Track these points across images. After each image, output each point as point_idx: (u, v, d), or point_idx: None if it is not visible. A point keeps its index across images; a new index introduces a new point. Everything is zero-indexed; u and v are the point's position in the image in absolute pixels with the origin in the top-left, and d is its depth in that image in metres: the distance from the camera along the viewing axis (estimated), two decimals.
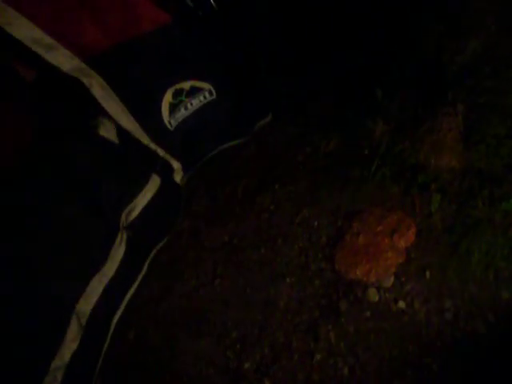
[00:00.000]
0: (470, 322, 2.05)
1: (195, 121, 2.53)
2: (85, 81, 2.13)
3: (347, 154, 2.68)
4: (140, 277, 2.45)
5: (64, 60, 2.07)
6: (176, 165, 2.53)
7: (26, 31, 1.96)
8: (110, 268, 2.28)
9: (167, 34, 2.37)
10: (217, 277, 2.51)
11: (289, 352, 2.18)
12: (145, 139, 2.38)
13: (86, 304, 2.20)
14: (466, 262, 2.16)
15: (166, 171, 2.51)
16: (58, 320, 2.14)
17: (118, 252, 2.31)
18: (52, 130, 2.16)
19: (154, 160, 2.43)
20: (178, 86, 2.44)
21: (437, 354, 2.01)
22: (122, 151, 2.34)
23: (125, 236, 2.32)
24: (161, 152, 2.44)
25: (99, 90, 2.16)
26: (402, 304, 2.16)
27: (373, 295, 2.21)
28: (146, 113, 2.37)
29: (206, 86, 2.53)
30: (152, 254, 2.52)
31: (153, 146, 2.41)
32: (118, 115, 2.25)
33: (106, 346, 2.31)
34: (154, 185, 2.42)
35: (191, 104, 2.50)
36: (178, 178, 2.57)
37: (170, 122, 2.43)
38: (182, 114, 2.48)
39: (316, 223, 2.52)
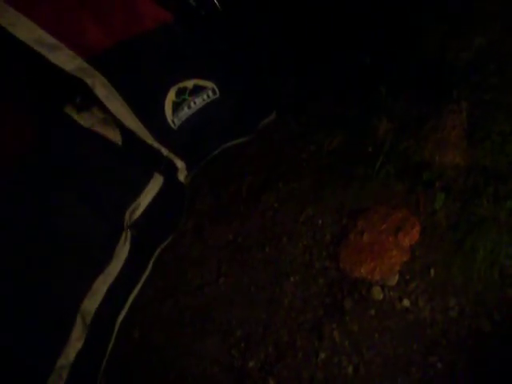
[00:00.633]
0: (474, 320, 2.05)
1: (199, 119, 2.52)
2: (88, 81, 2.12)
3: (351, 152, 2.67)
4: (145, 276, 2.45)
5: (67, 60, 2.06)
6: (180, 164, 2.52)
7: (28, 32, 1.96)
8: (115, 267, 2.28)
9: (169, 32, 2.36)
10: (221, 275, 2.51)
11: (293, 350, 2.18)
12: (148, 138, 2.37)
13: (91, 303, 2.20)
14: (470, 260, 2.16)
15: (170, 170, 2.50)
16: (62, 319, 2.15)
17: (123, 251, 2.31)
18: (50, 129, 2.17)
19: (158, 159, 2.43)
20: (181, 85, 2.43)
21: (441, 352, 2.01)
22: (125, 150, 2.34)
23: (129, 235, 2.32)
24: (164, 151, 2.43)
25: (102, 89, 2.16)
26: (406, 302, 2.16)
27: (377, 293, 2.21)
28: (149, 112, 2.36)
29: (209, 84, 2.52)
30: (156, 253, 2.52)
31: (156, 145, 2.41)
32: (121, 115, 2.25)
33: (110, 344, 2.32)
34: (156, 184, 2.41)
35: (194, 103, 2.49)
36: (181, 176, 2.57)
37: (173, 121, 2.43)
38: (185, 112, 2.47)
39: (320, 221, 2.52)
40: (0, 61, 2.02)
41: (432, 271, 2.20)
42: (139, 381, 2.33)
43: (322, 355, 2.13)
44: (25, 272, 2.07)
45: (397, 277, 2.23)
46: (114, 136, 2.31)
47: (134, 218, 2.34)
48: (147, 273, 2.47)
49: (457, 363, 1.97)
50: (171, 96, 2.39)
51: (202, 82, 2.48)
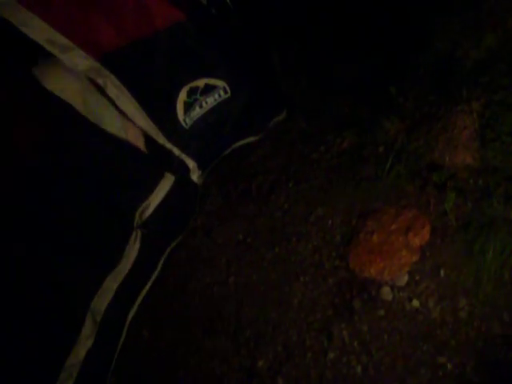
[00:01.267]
0: (484, 322, 2.04)
1: (210, 119, 2.52)
2: (100, 81, 2.14)
3: (361, 152, 2.66)
4: (154, 275, 2.46)
5: (79, 60, 2.08)
6: (191, 164, 2.52)
7: (41, 32, 1.98)
8: (125, 266, 2.29)
9: (181, 31, 2.36)
10: (231, 275, 2.52)
11: (302, 350, 2.18)
12: (160, 138, 2.38)
13: (101, 302, 2.22)
14: (480, 261, 2.15)
15: (182, 170, 2.51)
16: (73, 318, 2.16)
17: (133, 250, 2.32)
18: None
19: (169, 159, 2.44)
20: (192, 84, 2.43)
21: (451, 353, 2.00)
22: (135, 150, 2.35)
23: (139, 234, 2.34)
24: (176, 151, 2.43)
25: (114, 89, 2.17)
26: (415, 303, 2.15)
27: (387, 294, 2.20)
28: (161, 112, 2.37)
29: (220, 83, 2.52)
30: (167, 253, 2.53)
31: (168, 145, 2.41)
32: (133, 115, 2.25)
33: (120, 343, 2.33)
34: (167, 183, 2.42)
35: (206, 102, 2.49)
36: (194, 176, 2.57)
37: (185, 121, 2.43)
38: (197, 112, 2.47)
39: (330, 222, 2.52)
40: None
41: (442, 272, 2.19)
42: (148, 379, 2.34)
43: (331, 355, 2.13)
44: (36, 271, 2.09)
45: (406, 277, 2.22)
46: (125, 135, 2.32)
47: (145, 217, 2.35)
48: (157, 272, 2.48)
49: (466, 364, 1.97)
50: (183, 96, 2.40)
51: (213, 81, 2.48)
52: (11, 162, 2.09)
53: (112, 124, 2.28)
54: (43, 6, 1.98)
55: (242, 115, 2.66)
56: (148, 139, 2.37)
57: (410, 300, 2.16)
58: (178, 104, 2.40)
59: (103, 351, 2.25)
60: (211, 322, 2.40)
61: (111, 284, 2.25)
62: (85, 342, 2.15)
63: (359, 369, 2.07)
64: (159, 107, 2.35)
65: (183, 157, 2.46)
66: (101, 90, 2.18)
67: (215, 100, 2.51)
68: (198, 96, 2.45)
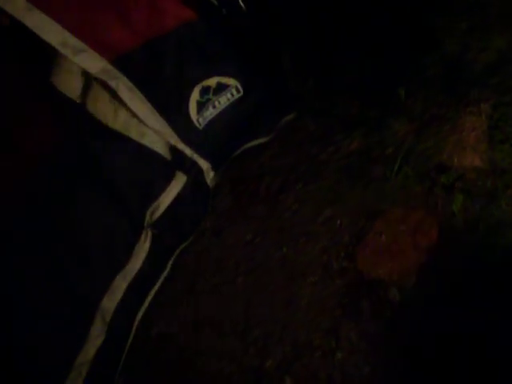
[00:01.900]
0: None
1: (224, 119, 2.50)
2: (112, 83, 2.14)
3: (370, 153, 2.67)
4: (164, 275, 2.47)
5: (92, 62, 2.09)
6: (205, 165, 2.52)
7: (55, 34, 1.99)
8: (134, 266, 2.30)
9: (192, 30, 2.36)
10: (239, 275, 2.52)
11: (310, 350, 2.18)
12: (173, 139, 2.38)
13: (110, 301, 2.23)
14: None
15: (194, 171, 2.51)
16: (82, 317, 2.18)
17: (142, 250, 2.33)
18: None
19: (182, 160, 2.44)
20: (204, 84, 2.42)
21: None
22: (149, 150, 2.36)
23: (149, 234, 2.35)
24: (189, 152, 2.43)
25: (126, 92, 2.17)
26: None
27: (394, 295, 2.21)
28: (174, 112, 2.36)
29: (232, 82, 2.51)
30: (176, 253, 2.54)
31: (181, 145, 2.41)
32: (146, 116, 2.25)
33: (129, 342, 2.34)
34: (179, 183, 2.43)
35: (219, 102, 2.47)
36: (208, 178, 2.57)
37: (198, 121, 2.42)
38: (210, 112, 2.45)
39: (339, 222, 2.52)
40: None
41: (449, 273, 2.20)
42: (157, 379, 2.35)
43: (339, 355, 2.13)
44: (45, 270, 2.11)
45: (414, 278, 2.23)
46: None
47: (155, 217, 2.36)
48: (166, 272, 2.49)
49: (472, 365, 1.97)
50: (195, 95, 2.39)
51: (225, 80, 2.47)
52: (22, 161, 2.11)
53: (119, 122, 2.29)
54: (56, 7, 2.00)
55: (254, 115, 2.65)
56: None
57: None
58: (190, 104, 2.39)
59: (112, 350, 2.26)
60: (219, 322, 2.40)
61: (120, 283, 2.27)
62: (94, 341, 2.17)
63: (367, 369, 2.07)
64: (172, 107, 2.34)
65: (196, 157, 2.45)
66: (112, 92, 2.19)
67: (228, 100, 2.51)
68: (210, 96, 2.44)
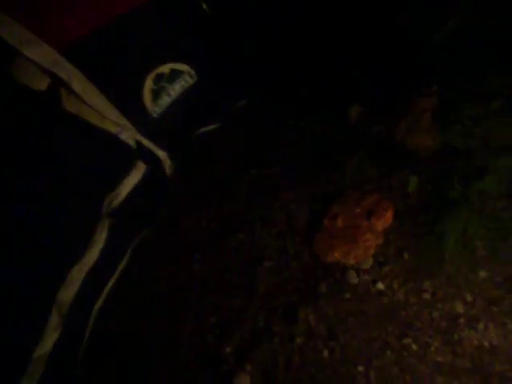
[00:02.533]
0: (448, 302, 2.07)
1: (178, 106, 2.47)
2: (63, 75, 2.07)
3: (324, 137, 2.68)
4: (122, 265, 2.43)
5: (43, 55, 2.01)
6: (162, 154, 2.48)
7: (7, 28, 1.91)
8: (91, 257, 2.25)
9: (142, 15, 2.32)
10: (195, 262, 2.50)
11: (269, 335, 2.18)
12: (131, 130, 2.33)
13: (67, 293, 2.17)
14: (442, 243, 2.18)
15: (152, 161, 2.47)
16: (38, 310, 2.12)
17: (100, 240, 2.28)
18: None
19: (139, 150, 2.39)
20: (158, 71, 2.38)
21: (416, 334, 2.03)
22: (106, 140, 2.29)
23: (107, 224, 2.29)
24: (146, 142, 2.38)
25: (79, 83, 2.11)
26: (380, 285, 2.17)
27: (352, 277, 2.22)
28: (129, 102, 2.31)
29: (185, 68, 2.47)
30: (134, 243, 2.50)
31: (138, 136, 2.36)
32: (100, 107, 2.19)
33: (87, 333, 2.30)
34: (138, 174, 2.38)
35: (174, 90, 2.44)
36: (166, 166, 2.53)
37: (154, 110, 2.38)
38: (165, 101, 2.42)
39: (294, 207, 2.52)
40: None
41: (405, 254, 2.22)
42: (115, 368, 2.31)
43: (298, 340, 2.13)
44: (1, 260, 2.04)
45: (371, 260, 2.24)
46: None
47: (113, 206, 2.31)
48: (125, 262, 2.45)
49: (431, 345, 2.00)
50: (149, 83, 2.34)
51: (178, 66, 2.43)
52: None
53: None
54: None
55: (208, 101, 2.63)
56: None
57: (375, 283, 2.18)
58: (145, 93, 2.35)
59: (70, 342, 2.21)
60: (176, 309, 2.38)
61: (77, 275, 2.21)
62: (51, 334, 2.11)
63: (326, 352, 2.08)
64: (126, 97, 2.30)
65: (153, 147, 2.41)
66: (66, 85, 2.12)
67: (182, 86, 2.47)
68: (164, 83, 2.40)
